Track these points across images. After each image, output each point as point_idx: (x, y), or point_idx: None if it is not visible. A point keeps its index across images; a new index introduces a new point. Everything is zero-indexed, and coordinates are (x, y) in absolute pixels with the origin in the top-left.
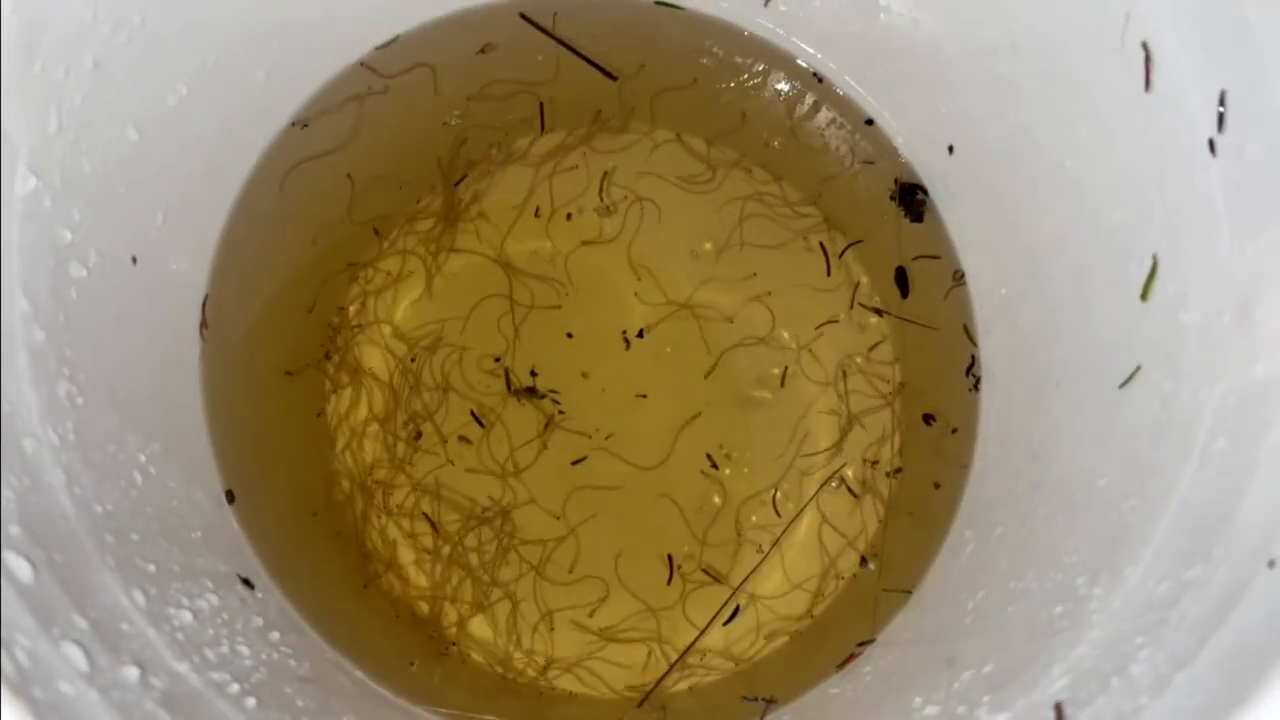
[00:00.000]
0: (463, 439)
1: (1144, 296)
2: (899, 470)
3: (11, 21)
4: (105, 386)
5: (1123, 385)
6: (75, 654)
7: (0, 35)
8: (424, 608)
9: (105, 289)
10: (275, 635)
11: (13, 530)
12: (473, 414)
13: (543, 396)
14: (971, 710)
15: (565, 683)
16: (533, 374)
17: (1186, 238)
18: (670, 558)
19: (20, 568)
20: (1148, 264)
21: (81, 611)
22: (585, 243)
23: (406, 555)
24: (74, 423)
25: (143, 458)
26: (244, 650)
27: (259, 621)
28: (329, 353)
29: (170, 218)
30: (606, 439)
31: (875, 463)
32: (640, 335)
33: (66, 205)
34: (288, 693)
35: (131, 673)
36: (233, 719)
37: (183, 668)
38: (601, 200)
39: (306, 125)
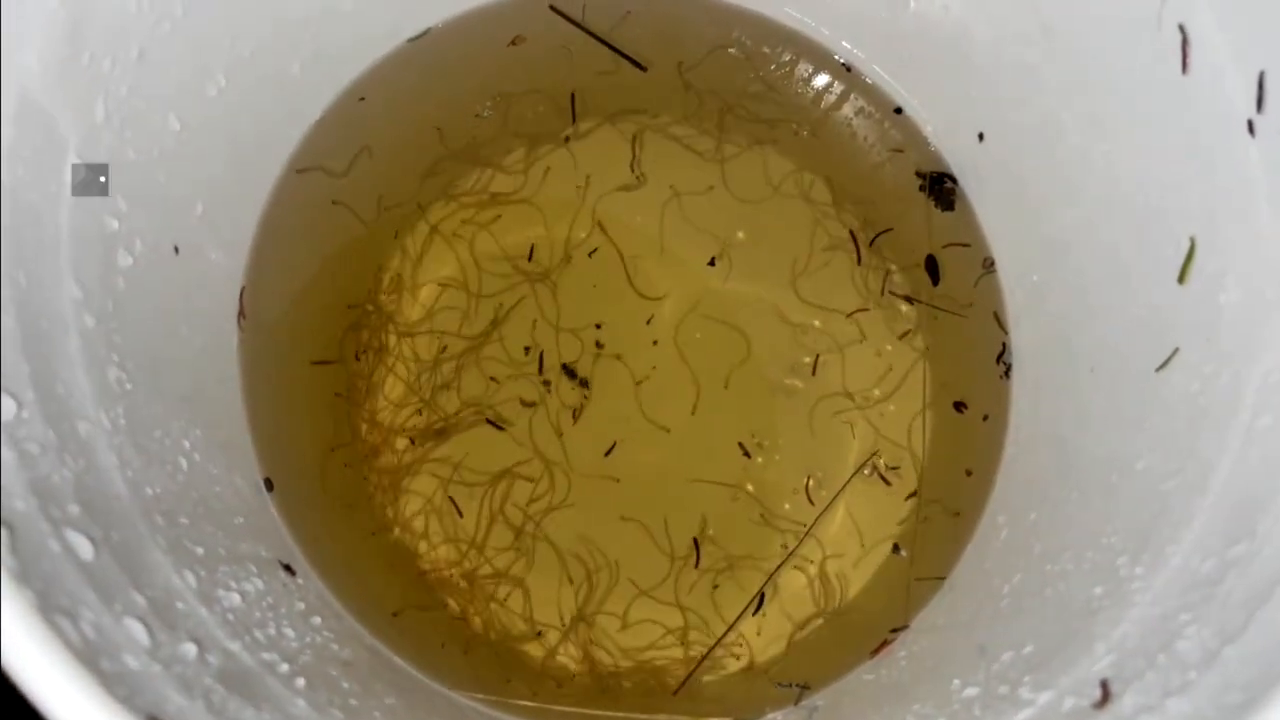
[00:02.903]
0: (493, 424)
1: (1182, 279)
2: (930, 458)
3: (59, 14)
4: (151, 374)
5: (1160, 368)
6: (137, 629)
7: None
8: (456, 595)
9: (150, 278)
10: (317, 620)
11: (72, 509)
12: (488, 420)
13: (575, 383)
14: (1013, 690)
15: (597, 670)
16: (564, 366)
17: (1224, 219)
18: (696, 542)
19: (81, 545)
20: (1184, 246)
21: (139, 589)
22: (616, 230)
23: (437, 542)
24: (124, 408)
25: (187, 444)
26: (289, 633)
27: (301, 606)
28: (361, 344)
29: (209, 208)
30: (637, 427)
31: (906, 452)
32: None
33: (113, 194)
34: (333, 674)
35: (190, 649)
36: (285, 697)
37: (235, 646)
38: (634, 173)
39: (342, 115)
